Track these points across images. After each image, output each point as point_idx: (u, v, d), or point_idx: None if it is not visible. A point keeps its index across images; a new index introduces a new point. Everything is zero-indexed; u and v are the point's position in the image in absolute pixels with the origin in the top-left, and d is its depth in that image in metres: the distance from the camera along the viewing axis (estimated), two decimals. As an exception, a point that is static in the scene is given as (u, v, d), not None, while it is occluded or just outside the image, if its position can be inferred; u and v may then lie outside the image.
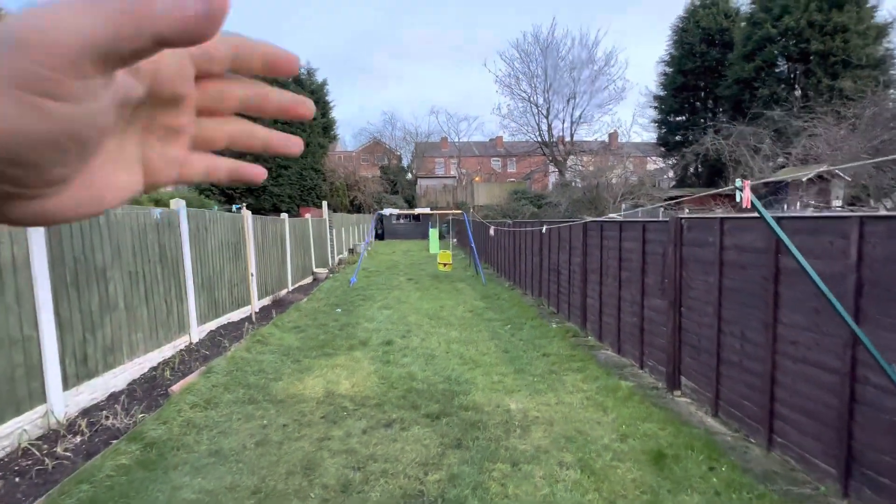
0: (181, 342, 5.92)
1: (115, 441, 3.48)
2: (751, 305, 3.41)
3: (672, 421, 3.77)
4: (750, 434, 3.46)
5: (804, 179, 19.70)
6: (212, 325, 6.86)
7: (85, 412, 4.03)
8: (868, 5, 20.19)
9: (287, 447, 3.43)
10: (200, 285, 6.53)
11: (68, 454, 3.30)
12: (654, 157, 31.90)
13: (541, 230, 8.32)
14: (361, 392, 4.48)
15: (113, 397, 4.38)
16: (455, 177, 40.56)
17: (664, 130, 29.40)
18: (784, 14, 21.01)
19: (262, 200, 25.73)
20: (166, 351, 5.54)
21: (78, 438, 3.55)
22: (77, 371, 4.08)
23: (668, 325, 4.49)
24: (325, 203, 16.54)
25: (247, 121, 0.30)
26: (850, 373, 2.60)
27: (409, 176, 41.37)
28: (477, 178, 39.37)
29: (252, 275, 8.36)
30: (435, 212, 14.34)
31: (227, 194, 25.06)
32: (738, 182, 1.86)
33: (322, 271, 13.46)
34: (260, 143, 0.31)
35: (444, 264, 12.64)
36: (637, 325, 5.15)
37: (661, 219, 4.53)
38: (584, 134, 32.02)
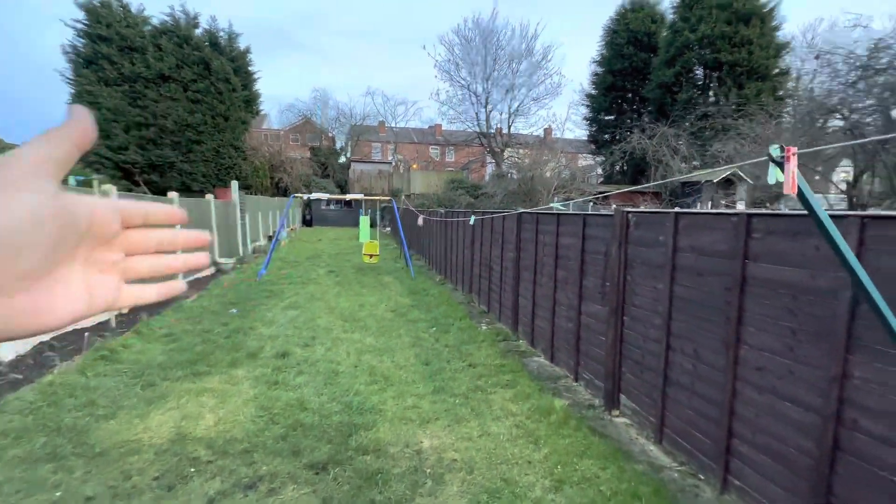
0: (-20, 363, 4.29)
1: None
2: (708, 319, 2.85)
3: (613, 455, 3.15)
4: (699, 470, 2.94)
5: (715, 181, 21.31)
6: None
7: None
8: (773, 23, 22.07)
9: (76, 543, 2.25)
10: (21, 283, 4.84)
11: None
12: (584, 154, 32.97)
13: (469, 221, 7.55)
14: (227, 431, 3.35)
15: None
16: (391, 162, 38.90)
17: (594, 128, 30.35)
18: (700, 23, 22.31)
19: (169, 178, 21.86)
20: (-54, 378, 3.92)
21: None
22: None
23: (608, 335, 3.91)
24: (234, 183, 14.43)
25: (164, 255, 0.41)
26: (836, 414, 2.07)
27: (343, 159, 38.93)
28: (414, 166, 38.15)
29: (116, 267, 6.63)
30: (364, 198, 13.03)
31: (125, 169, 21.33)
32: (776, 149, 1.06)
33: (227, 261, 11.64)
34: (180, 268, 0.43)
35: (371, 255, 11.51)
36: (573, 332, 4.56)
37: (604, 213, 3.90)
38: (521, 127, 32.19)
